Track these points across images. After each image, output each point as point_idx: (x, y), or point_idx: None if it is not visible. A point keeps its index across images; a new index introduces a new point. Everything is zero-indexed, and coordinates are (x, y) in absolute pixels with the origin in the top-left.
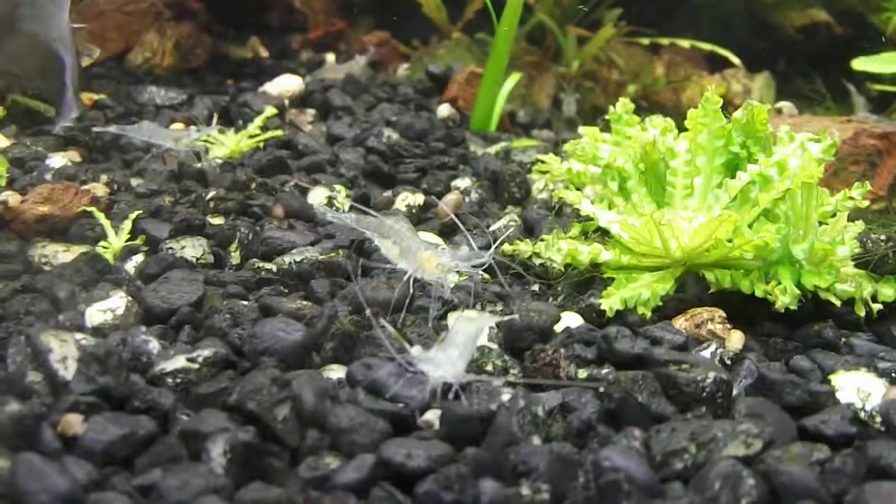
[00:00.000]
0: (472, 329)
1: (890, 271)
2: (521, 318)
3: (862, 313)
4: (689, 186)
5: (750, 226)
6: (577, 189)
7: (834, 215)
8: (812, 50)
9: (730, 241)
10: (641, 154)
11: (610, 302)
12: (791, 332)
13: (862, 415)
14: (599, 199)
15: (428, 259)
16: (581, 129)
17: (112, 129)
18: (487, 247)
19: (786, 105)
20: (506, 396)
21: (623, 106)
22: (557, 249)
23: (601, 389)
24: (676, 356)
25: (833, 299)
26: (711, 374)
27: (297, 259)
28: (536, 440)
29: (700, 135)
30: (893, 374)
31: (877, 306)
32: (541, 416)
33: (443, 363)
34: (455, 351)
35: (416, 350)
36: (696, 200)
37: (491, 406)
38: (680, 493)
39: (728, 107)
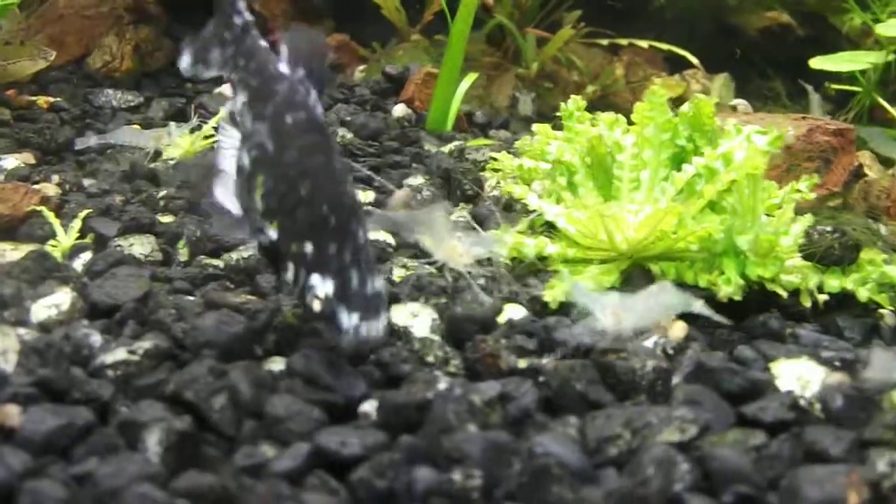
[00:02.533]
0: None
1: (835, 262)
2: (463, 309)
3: (808, 304)
4: (636, 180)
5: (695, 218)
6: (527, 185)
7: (779, 208)
8: (774, 51)
9: (674, 232)
10: (588, 148)
11: (553, 293)
12: (737, 322)
13: (801, 402)
14: (548, 193)
15: (454, 248)
16: (534, 127)
17: (93, 140)
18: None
19: (740, 103)
20: (442, 385)
21: (574, 103)
22: (502, 243)
23: (540, 379)
24: (616, 346)
25: (780, 290)
26: (650, 363)
27: (244, 255)
28: (472, 428)
29: (647, 128)
30: (836, 363)
31: (822, 297)
32: (478, 405)
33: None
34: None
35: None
36: (643, 193)
37: (428, 395)
38: (614, 478)
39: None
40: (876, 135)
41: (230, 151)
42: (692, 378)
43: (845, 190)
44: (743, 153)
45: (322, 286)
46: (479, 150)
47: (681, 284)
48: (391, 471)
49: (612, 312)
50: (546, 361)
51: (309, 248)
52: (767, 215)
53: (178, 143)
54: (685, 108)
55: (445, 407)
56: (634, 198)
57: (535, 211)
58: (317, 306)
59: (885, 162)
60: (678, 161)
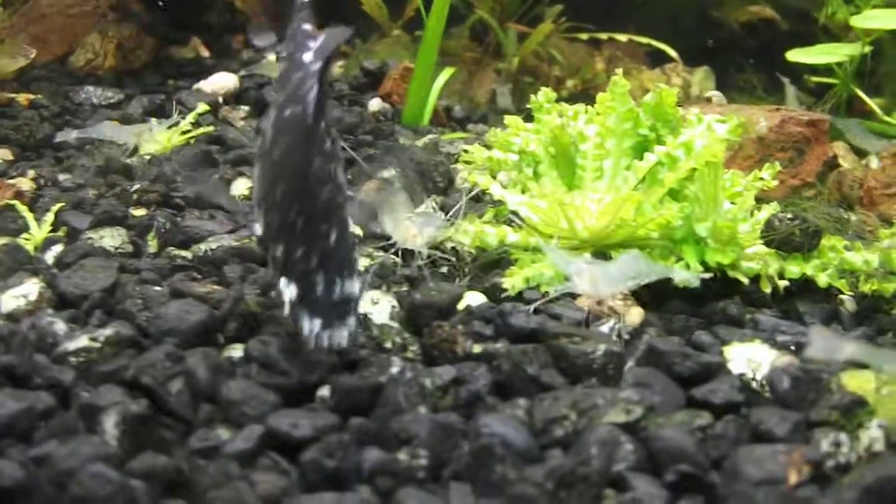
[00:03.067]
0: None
1: (796, 249)
2: (422, 296)
3: (768, 290)
4: (599, 169)
5: (656, 206)
6: (495, 176)
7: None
8: (757, 45)
9: (634, 220)
10: (551, 138)
11: (512, 281)
12: (697, 309)
13: (753, 384)
14: (514, 184)
15: (408, 229)
16: (506, 119)
17: (74, 134)
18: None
19: (715, 94)
20: (395, 370)
21: (545, 95)
22: (465, 232)
23: (494, 363)
24: (569, 330)
25: (741, 277)
26: (602, 347)
27: (213, 247)
28: (423, 410)
29: (609, 118)
30: (791, 347)
31: (783, 283)
32: (429, 388)
33: None
34: None
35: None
36: (606, 182)
37: (381, 378)
38: (560, 458)
39: None
40: (852, 126)
41: None
42: (644, 362)
43: (819, 180)
44: (703, 141)
45: (287, 290)
46: (453, 143)
47: None
48: (340, 451)
49: (587, 277)
50: (500, 346)
51: (279, 251)
52: (732, 203)
53: (156, 138)
54: (648, 97)
55: (397, 390)
56: (597, 186)
57: (500, 201)
58: (285, 310)
59: (860, 153)
60: (641, 150)
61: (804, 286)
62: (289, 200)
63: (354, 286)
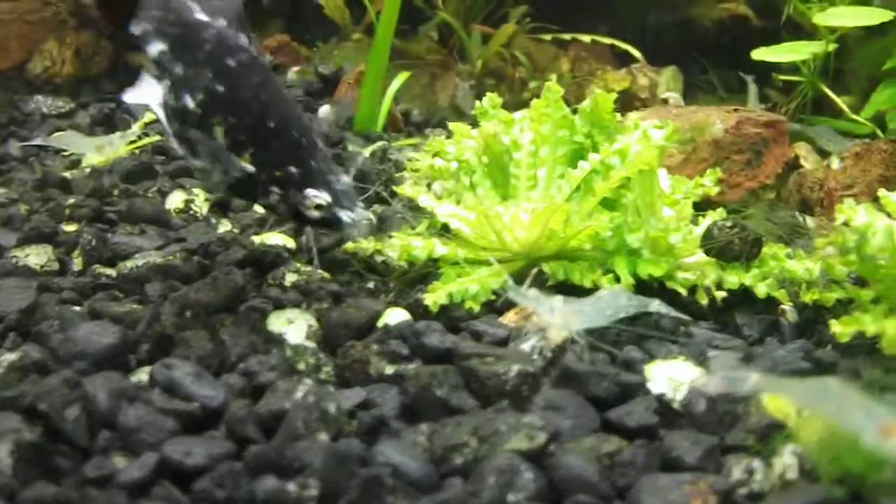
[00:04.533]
0: None
1: (735, 258)
2: (338, 314)
3: (704, 301)
4: (533, 178)
5: (590, 216)
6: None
7: (676, 203)
8: (730, 43)
9: (563, 232)
10: (484, 147)
11: (434, 297)
12: (631, 321)
13: (675, 405)
14: (448, 194)
15: None
16: (451, 126)
17: (37, 141)
18: (339, 244)
19: (672, 95)
20: (300, 394)
21: (490, 101)
22: (391, 245)
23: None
24: (483, 349)
25: (678, 288)
26: (515, 367)
27: (139, 264)
28: (323, 437)
29: (543, 125)
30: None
31: (720, 294)
32: (332, 413)
33: None
34: None
35: None
36: (540, 192)
37: (285, 404)
38: (459, 488)
39: (633, 101)
40: (823, 132)
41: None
42: (559, 383)
43: (779, 182)
44: (638, 149)
45: (320, 197)
46: (402, 150)
47: (568, 285)
48: (231, 481)
49: (560, 315)
50: (413, 367)
51: (294, 169)
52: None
53: (116, 149)
54: (585, 104)
55: (297, 416)
56: (531, 196)
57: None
58: (316, 214)
59: (825, 153)
60: (578, 158)
61: (745, 297)
62: (289, 127)
63: (343, 175)
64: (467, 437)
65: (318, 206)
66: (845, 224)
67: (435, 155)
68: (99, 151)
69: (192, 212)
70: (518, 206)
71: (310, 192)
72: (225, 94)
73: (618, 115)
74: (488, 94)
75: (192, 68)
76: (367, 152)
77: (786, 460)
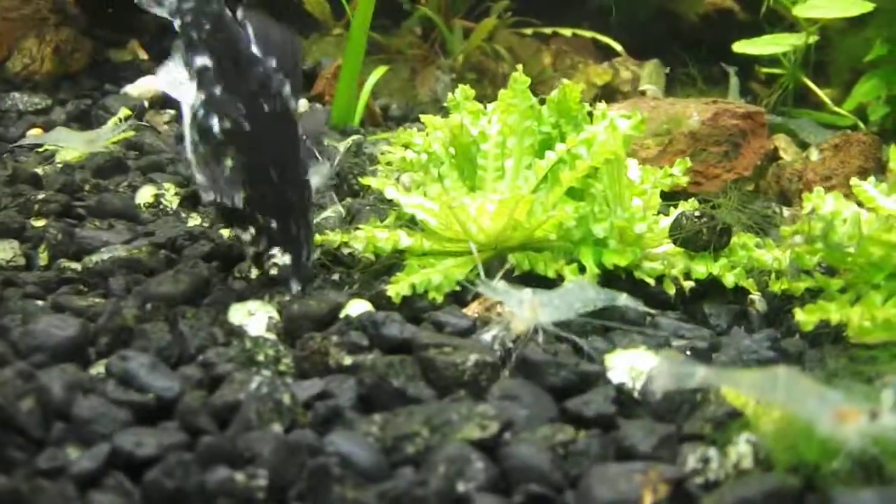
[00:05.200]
0: None
1: (703, 247)
2: (299, 306)
3: (671, 291)
4: (500, 169)
5: (556, 206)
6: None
7: (644, 193)
8: (715, 36)
9: (528, 222)
10: (451, 138)
11: (397, 288)
12: (598, 312)
13: (635, 394)
14: (416, 185)
15: None
16: (422, 118)
17: (29, 138)
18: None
19: (650, 88)
20: (254, 385)
21: (462, 93)
22: (356, 237)
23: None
24: (441, 339)
25: (646, 278)
26: (472, 357)
27: (105, 258)
28: (277, 427)
29: (510, 116)
30: (687, 352)
31: (688, 284)
32: (286, 404)
33: None
34: None
35: None
36: (507, 183)
37: (239, 395)
38: (410, 477)
39: (616, 94)
40: (804, 125)
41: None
42: (517, 372)
43: (759, 174)
44: (605, 138)
45: (281, 258)
46: (377, 143)
47: (535, 275)
48: (182, 471)
49: (528, 307)
50: (371, 357)
51: (274, 224)
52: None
53: (75, 146)
54: (553, 93)
55: (250, 406)
56: (498, 187)
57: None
58: (274, 272)
59: (806, 146)
60: (546, 148)
61: (715, 287)
62: (286, 185)
63: (313, 255)
64: (419, 426)
65: (276, 265)
66: (813, 212)
67: (405, 147)
68: (90, 145)
69: (161, 206)
70: (485, 197)
71: (276, 249)
72: (249, 134)
73: (600, 104)
74: (461, 86)
75: (230, 95)
76: (342, 146)
77: (741, 449)
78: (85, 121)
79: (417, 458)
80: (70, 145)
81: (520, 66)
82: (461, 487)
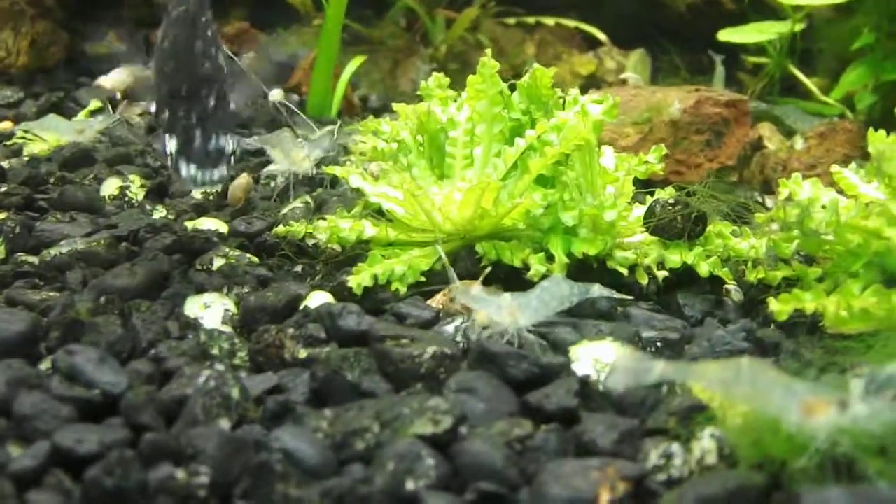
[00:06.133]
0: None
1: (678, 236)
2: (256, 298)
3: (644, 281)
4: (469, 156)
5: (514, 195)
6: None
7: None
8: (703, 26)
9: (495, 211)
10: (418, 125)
11: (358, 279)
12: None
13: (600, 387)
14: (384, 174)
15: (298, 155)
16: (394, 106)
17: (19, 127)
18: (269, 227)
19: (631, 76)
20: (202, 379)
21: (436, 80)
22: (318, 227)
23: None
24: (399, 331)
25: (618, 268)
26: (430, 349)
27: (63, 251)
28: (224, 423)
29: (479, 103)
30: (658, 344)
31: (662, 273)
32: (234, 399)
33: None
34: None
35: None
36: (476, 171)
37: (187, 390)
38: (359, 474)
39: (601, 84)
40: (791, 112)
41: None
42: (476, 365)
43: (742, 163)
44: (576, 124)
45: (170, 143)
46: (351, 134)
47: (510, 266)
48: (122, 469)
49: (507, 312)
50: (327, 350)
51: (166, 114)
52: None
53: (44, 137)
54: (524, 79)
55: (196, 402)
56: (466, 175)
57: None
58: (169, 161)
59: (792, 134)
60: (517, 135)
61: (692, 277)
62: (176, 72)
63: (228, 142)
64: (369, 421)
65: (170, 153)
66: (789, 199)
67: (374, 135)
68: (78, 134)
69: (126, 198)
70: (453, 186)
71: (167, 136)
72: (161, 41)
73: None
74: (435, 73)
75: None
76: (314, 137)
77: (704, 444)
78: (55, 113)
79: (367, 455)
80: (61, 134)
81: (488, 52)
82: (410, 485)
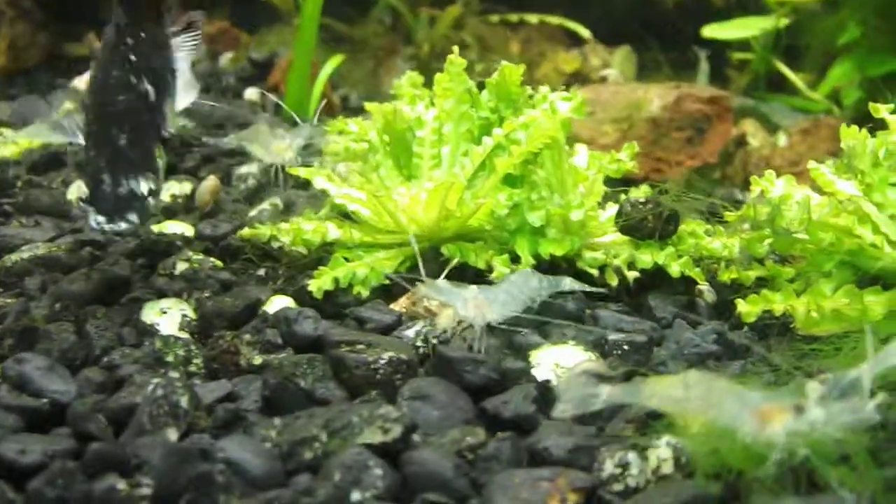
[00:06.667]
0: None
1: (649, 235)
2: (214, 303)
3: (613, 282)
4: (437, 156)
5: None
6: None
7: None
8: (690, 23)
9: (459, 212)
10: (384, 124)
11: (319, 283)
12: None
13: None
14: (350, 174)
15: (279, 146)
16: (366, 105)
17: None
18: (236, 230)
19: (612, 73)
20: (150, 388)
21: (409, 79)
22: (282, 230)
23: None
24: (355, 336)
25: (587, 268)
26: (386, 355)
27: (24, 256)
28: (172, 433)
29: (446, 101)
30: (625, 347)
31: (633, 274)
32: (183, 408)
33: None
34: None
35: None
36: (444, 170)
37: (136, 399)
38: (305, 485)
39: (586, 81)
40: (777, 109)
41: None
42: (432, 371)
43: (724, 160)
44: (543, 121)
45: (80, 189)
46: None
47: (471, 267)
48: (65, 480)
49: (474, 306)
50: (283, 356)
51: (82, 155)
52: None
53: (16, 140)
54: (494, 77)
55: (144, 411)
56: (434, 175)
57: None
58: (81, 205)
59: (777, 130)
60: (485, 134)
61: (662, 277)
62: (88, 108)
63: (140, 185)
64: (317, 430)
65: (81, 199)
66: (761, 196)
67: (340, 134)
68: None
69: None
70: (419, 186)
71: (79, 181)
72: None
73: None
74: (408, 72)
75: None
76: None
77: (661, 453)
78: (29, 116)
79: (315, 465)
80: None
81: (455, 49)
82: (356, 496)
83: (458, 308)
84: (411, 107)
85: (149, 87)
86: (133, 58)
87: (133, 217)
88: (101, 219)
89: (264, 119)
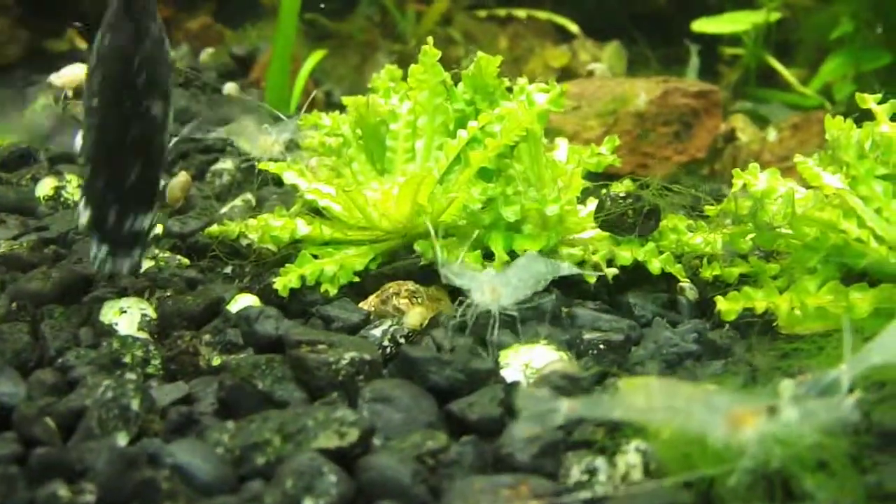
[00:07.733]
0: None
1: (629, 231)
2: (173, 302)
3: (591, 280)
4: (411, 150)
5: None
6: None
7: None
8: (681, 18)
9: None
10: (356, 118)
11: (284, 280)
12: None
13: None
14: (322, 168)
15: (266, 141)
16: (343, 99)
17: None
18: (205, 227)
19: (598, 67)
20: (100, 390)
21: (388, 73)
22: (248, 226)
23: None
24: (316, 336)
25: None
26: (348, 356)
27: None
28: (121, 437)
29: (420, 93)
30: (601, 347)
31: (612, 271)
32: (134, 411)
33: None
34: None
35: None
36: (417, 165)
37: (86, 402)
38: (257, 492)
39: (575, 77)
40: (775, 109)
41: None
42: (396, 372)
43: (713, 156)
44: (518, 113)
45: (83, 213)
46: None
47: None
48: (6, 486)
49: (489, 289)
50: (243, 356)
51: (85, 177)
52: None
53: None
54: (470, 68)
55: (92, 414)
56: (408, 170)
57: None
58: (82, 230)
59: (766, 125)
60: (461, 127)
61: (644, 274)
62: (101, 139)
63: (145, 222)
64: (270, 434)
65: (81, 223)
66: (744, 190)
67: (314, 128)
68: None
69: (62, 199)
70: (392, 181)
71: (81, 203)
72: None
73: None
74: (388, 65)
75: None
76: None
77: (630, 459)
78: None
79: (268, 471)
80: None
81: (430, 39)
82: None
83: (474, 292)
84: (386, 99)
85: (159, 110)
86: (143, 78)
87: (135, 256)
88: (104, 251)
89: (248, 114)
